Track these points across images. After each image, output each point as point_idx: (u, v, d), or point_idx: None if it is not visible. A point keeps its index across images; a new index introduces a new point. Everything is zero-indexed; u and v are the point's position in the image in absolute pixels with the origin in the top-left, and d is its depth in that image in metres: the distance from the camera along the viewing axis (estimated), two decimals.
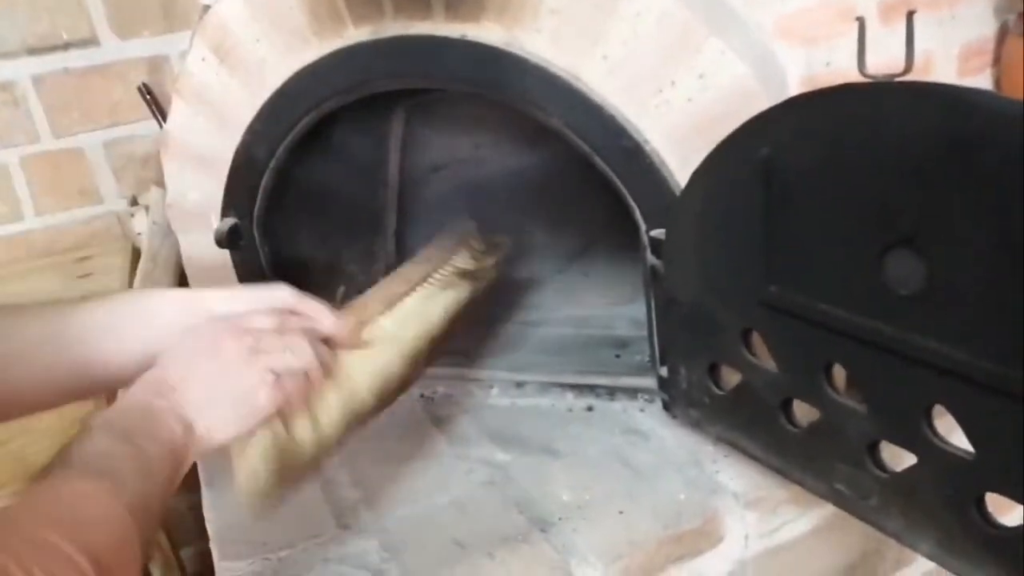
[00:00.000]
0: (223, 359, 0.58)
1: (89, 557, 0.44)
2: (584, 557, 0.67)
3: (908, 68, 0.65)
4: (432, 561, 0.68)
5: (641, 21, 0.68)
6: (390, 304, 0.73)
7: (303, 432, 0.62)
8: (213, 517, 0.77)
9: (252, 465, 0.60)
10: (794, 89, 0.73)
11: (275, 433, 0.61)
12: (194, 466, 0.87)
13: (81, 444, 0.51)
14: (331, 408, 0.64)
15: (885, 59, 0.70)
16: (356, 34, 0.80)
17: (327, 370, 0.63)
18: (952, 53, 0.85)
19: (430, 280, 0.79)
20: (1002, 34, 0.89)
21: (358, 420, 0.67)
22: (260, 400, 0.58)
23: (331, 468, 0.82)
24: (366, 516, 0.74)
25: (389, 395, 0.70)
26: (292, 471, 0.62)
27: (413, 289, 0.76)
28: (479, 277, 0.86)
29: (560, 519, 0.71)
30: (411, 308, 0.75)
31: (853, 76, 0.69)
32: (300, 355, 0.61)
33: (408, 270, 0.81)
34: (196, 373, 0.58)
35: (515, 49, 0.73)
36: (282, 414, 0.61)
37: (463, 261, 0.85)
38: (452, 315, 0.79)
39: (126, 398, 0.57)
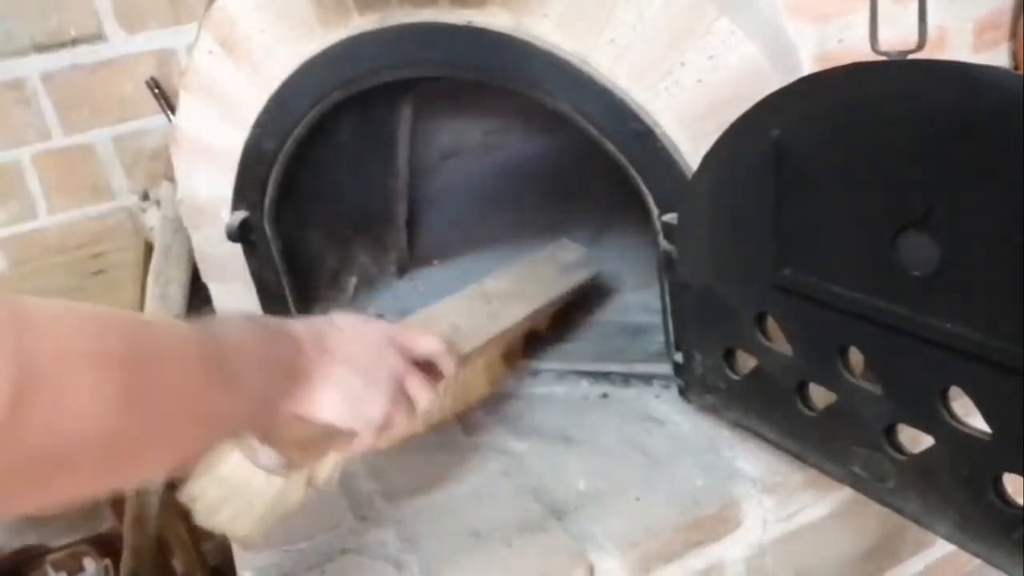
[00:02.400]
0: (376, 367, 0.63)
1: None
2: (601, 544, 0.67)
3: (921, 44, 0.64)
4: (449, 550, 0.68)
5: (649, 3, 0.67)
6: (488, 346, 0.81)
7: (323, 471, 0.66)
8: None
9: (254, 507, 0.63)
10: (806, 67, 0.72)
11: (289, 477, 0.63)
12: None
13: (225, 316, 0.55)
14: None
15: (898, 35, 0.69)
16: (362, 23, 0.79)
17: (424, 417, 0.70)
18: (967, 27, 0.84)
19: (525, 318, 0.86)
20: (1018, 7, 0.87)
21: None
22: (371, 413, 0.62)
23: (348, 460, 0.82)
24: (383, 507, 0.75)
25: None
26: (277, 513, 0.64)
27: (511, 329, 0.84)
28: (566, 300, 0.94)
29: (576, 507, 0.71)
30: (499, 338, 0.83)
31: (866, 53, 0.68)
32: (423, 402, 0.66)
33: (509, 305, 0.87)
34: (349, 355, 0.61)
35: (522, 34, 0.73)
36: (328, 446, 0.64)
37: (556, 296, 0.92)
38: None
39: (290, 321, 0.62)
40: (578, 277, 0.96)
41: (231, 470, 0.61)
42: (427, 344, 0.69)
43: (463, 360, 0.75)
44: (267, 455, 0.61)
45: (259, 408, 0.56)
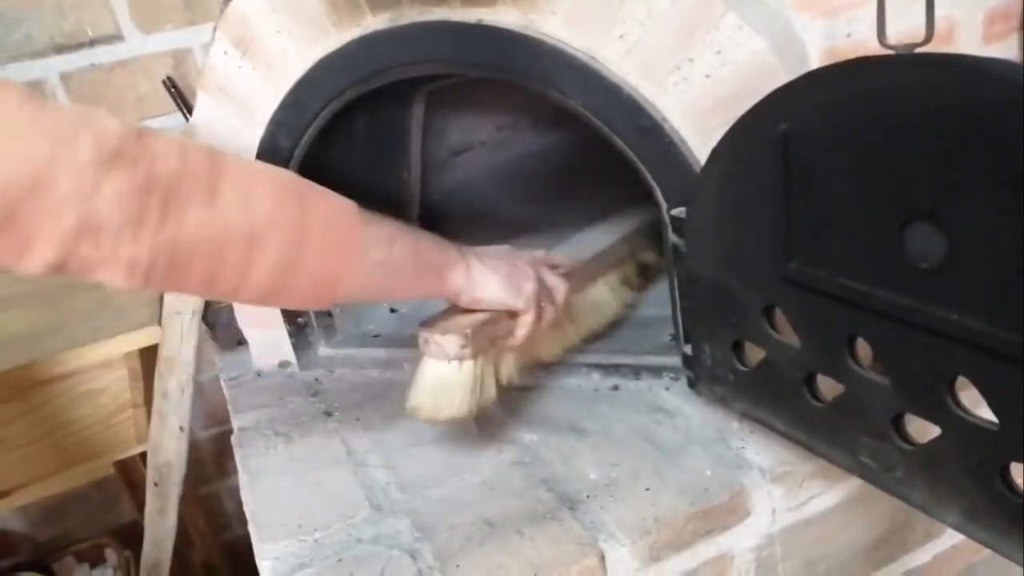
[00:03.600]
0: (513, 259, 0.78)
1: (306, 216, 0.60)
2: (612, 534, 0.68)
3: (929, 37, 0.64)
4: (463, 540, 0.69)
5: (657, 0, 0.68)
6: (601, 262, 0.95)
7: (506, 369, 0.80)
8: (250, 500, 0.79)
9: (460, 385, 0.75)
10: (814, 62, 0.72)
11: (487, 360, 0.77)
12: (231, 454, 0.90)
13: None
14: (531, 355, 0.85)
15: (907, 28, 0.69)
16: (374, 22, 0.80)
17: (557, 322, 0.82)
18: (976, 19, 0.84)
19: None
20: None
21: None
22: (526, 288, 0.75)
23: (362, 451, 0.84)
24: (398, 497, 0.76)
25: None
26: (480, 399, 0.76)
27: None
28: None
29: (588, 497, 0.72)
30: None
31: (874, 47, 0.68)
32: (561, 290, 0.80)
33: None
34: (488, 252, 0.77)
35: (531, 32, 0.74)
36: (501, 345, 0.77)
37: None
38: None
39: None
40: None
41: (426, 373, 0.75)
42: (549, 257, 0.84)
43: (583, 274, 0.90)
44: (451, 343, 0.72)
45: (424, 269, 0.70)
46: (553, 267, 0.83)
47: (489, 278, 0.73)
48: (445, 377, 0.74)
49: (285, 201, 0.58)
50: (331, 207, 0.62)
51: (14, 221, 0.47)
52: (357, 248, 0.63)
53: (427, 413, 0.75)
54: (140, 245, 0.51)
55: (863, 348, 0.58)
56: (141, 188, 0.50)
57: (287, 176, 0.62)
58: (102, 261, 0.51)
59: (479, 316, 0.74)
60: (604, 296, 0.96)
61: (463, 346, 0.73)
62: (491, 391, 0.78)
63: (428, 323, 0.76)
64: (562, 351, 0.90)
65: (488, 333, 0.75)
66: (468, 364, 0.74)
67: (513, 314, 0.76)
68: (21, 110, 0.47)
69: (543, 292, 0.77)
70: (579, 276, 0.89)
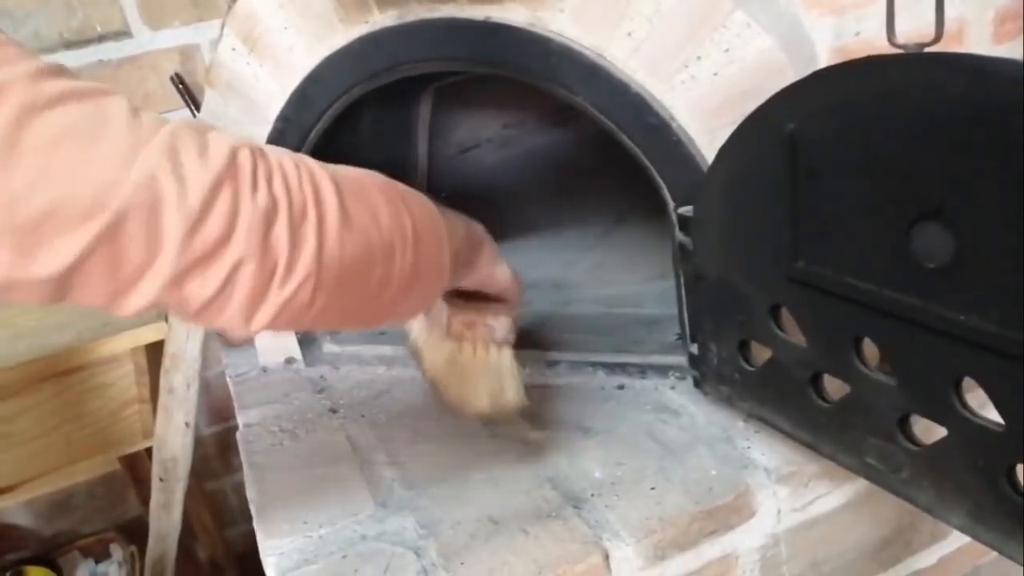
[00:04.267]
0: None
1: (412, 218, 0.56)
2: (616, 532, 0.67)
3: (938, 36, 0.64)
4: (467, 537, 0.69)
5: None
6: None
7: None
8: (255, 496, 0.79)
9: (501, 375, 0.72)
10: (823, 60, 0.72)
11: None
12: (236, 450, 0.90)
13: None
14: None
15: (916, 27, 0.69)
16: (381, 19, 0.80)
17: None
18: (986, 18, 0.83)
19: None
20: None
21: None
22: (518, 276, 0.74)
23: (367, 448, 0.84)
24: (403, 494, 0.76)
25: None
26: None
27: None
28: None
29: (592, 495, 0.72)
30: None
31: (883, 46, 0.68)
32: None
33: None
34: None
35: (538, 29, 0.73)
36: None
37: None
38: None
39: None
40: None
41: (477, 361, 0.72)
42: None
43: None
44: (503, 326, 0.71)
45: (472, 255, 0.67)
46: None
47: (501, 261, 0.72)
48: (494, 362, 0.72)
49: (395, 208, 0.55)
50: (420, 202, 0.60)
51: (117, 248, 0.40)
52: (445, 242, 0.61)
53: (481, 402, 0.72)
54: (290, 282, 0.46)
55: (870, 348, 0.58)
56: (269, 216, 0.45)
57: (380, 178, 0.58)
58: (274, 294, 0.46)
59: (496, 301, 0.72)
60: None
61: (511, 330, 0.71)
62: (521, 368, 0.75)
63: (452, 307, 0.71)
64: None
65: (496, 314, 0.73)
66: (508, 349, 0.72)
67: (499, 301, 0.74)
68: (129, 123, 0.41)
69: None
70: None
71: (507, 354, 0.73)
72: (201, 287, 0.43)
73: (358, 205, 0.51)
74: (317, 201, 0.48)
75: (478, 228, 0.71)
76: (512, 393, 0.73)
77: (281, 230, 0.45)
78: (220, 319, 0.46)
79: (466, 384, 0.72)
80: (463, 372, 0.72)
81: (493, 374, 0.72)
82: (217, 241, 0.42)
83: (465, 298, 0.72)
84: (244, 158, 0.45)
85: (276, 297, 0.46)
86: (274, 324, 0.47)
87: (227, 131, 0.47)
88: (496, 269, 0.71)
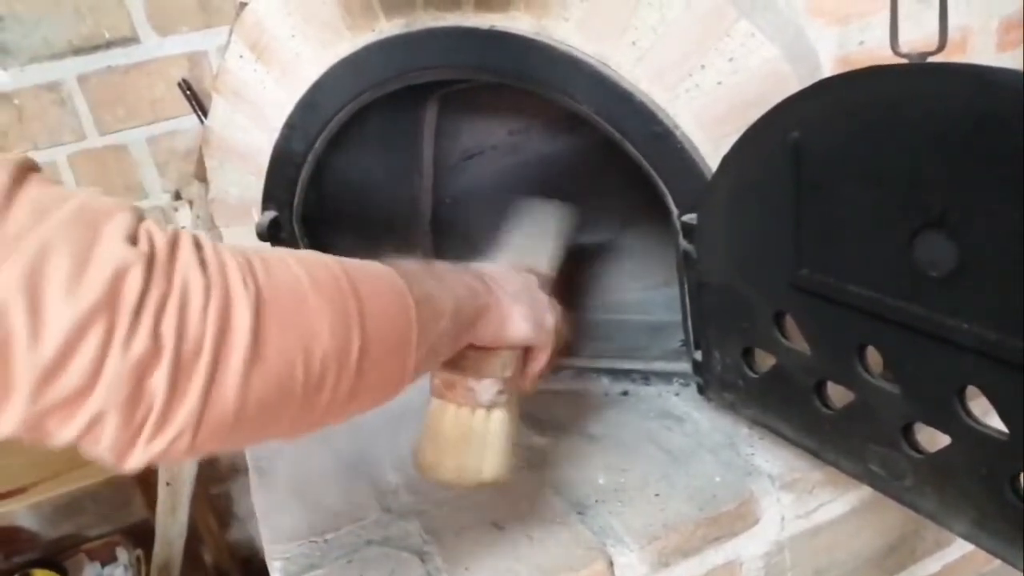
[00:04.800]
0: (528, 287, 0.67)
1: (363, 334, 0.47)
2: (620, 539, 0.68)
3: (942, 46, 0.64)
4: (472, 542, 0.69)
5: (669, 6, 0.68)
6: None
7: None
8: (261, 501, 0.79)
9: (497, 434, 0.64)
10: (827, 70, 0.72)
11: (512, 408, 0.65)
12: (242, 454, 0.90)
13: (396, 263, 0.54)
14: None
15: (920, 36, 0.69)
16: (388, 27, 0.81)
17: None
18: (991, 26, 0.83)
19: None
20: None
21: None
22: (548, 321, 0.66)
23: (373, 453, 0.84)
24: (408, 499, 0.76)
25: None
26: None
27: None
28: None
29: (597, 502, 0.72)
30: None
31: (887, 55, 0.68)
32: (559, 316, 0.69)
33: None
34: (508, 278, 0.66)
35: (544, 38, 0.74)
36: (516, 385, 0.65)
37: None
38: None
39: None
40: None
41: (446, 423, 0.63)
42: (538, 271, 0.75)
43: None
44: (487, 388, 0.61)
45: (461, 330, 0.59)
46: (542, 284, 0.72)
47: (516, 314, 0.63)
48: (472, 430, 0.63)
49: (342, 327, 0.46)
50: (389, 303, 0.50)
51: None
52: (413, 346, 0.52)
53: (448, 474, 0.64)
54: (162, 436, 0.40)
55: (873, 356, 0.58)
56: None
57: (327, 275, 0.47)
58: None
59: (506, 353, 0.63)
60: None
61: (500, 392, 0.61)
62: (516, 430, 0.66)
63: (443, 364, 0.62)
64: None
65: (509, 371, 0.63)
66: (499, 413, 0.63)
67: (527, 349, 0.66)
68: None
69: (557, 314, 0.68)
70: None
71: (496, 419, 0.63)
72: (62, 430, 0.38)
73: (286, 332, 0.43)
74: (220, 334, 0.40)
75: (490, 286, 0.62)
76: (490, 468, 0.63)
77: (159, 379, 0.38)
78: (94, 455, 0.41)
79: (438, 451, 0.64)
80: (435, 436, 0.64)
81: (470, 443, 0.63)
82: (75, 391, 0.36)
83: (478, 349, 0.63)
84: (133, 282, 0.37)
85: (144, 451, 0.40)
86: (156, 463, 0.42)
87: (149, 221, 0.41)
88: (508, 329, 0.62)
